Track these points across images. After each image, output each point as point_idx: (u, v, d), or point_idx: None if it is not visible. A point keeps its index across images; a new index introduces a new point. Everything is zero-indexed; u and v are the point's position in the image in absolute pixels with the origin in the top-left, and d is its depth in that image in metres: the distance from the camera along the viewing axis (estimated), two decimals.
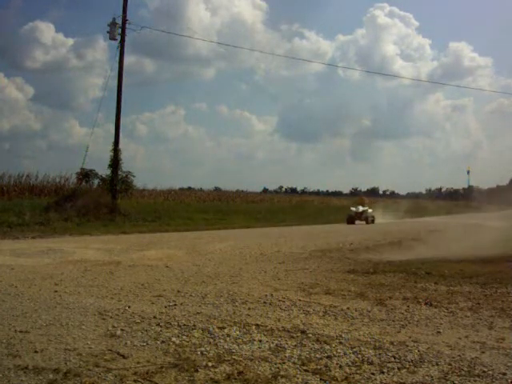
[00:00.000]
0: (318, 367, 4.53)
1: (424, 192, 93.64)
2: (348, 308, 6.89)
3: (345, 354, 4.91)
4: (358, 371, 4.46)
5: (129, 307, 6.51)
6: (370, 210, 32.32)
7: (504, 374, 4.45)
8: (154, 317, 6.06)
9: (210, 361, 4.57)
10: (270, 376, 4.27)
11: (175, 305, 6.76)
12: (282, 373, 4.35)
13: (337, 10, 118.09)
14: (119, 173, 26.11)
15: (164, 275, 9.18)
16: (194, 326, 5.75)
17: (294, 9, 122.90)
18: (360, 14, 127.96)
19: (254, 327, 5.77)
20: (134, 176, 27.40)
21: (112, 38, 25.69)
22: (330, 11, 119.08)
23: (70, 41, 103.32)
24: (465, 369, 4.56)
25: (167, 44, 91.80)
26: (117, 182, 25.81)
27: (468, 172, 75.89)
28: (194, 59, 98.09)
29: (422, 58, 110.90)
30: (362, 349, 5.07)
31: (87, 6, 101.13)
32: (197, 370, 4.34)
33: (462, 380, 4.30)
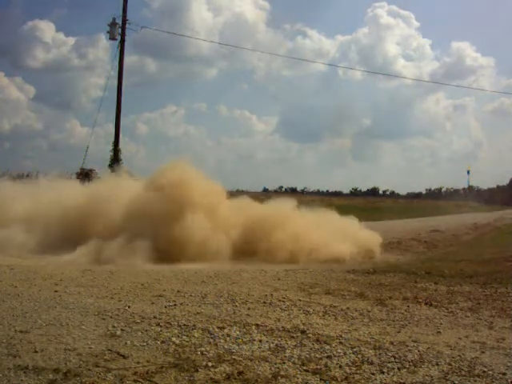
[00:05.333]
0: (318, 367, 4.53)
1: (424, 192, 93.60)
2: (348, 308, 6.89)
3: (345, 353, 4.91)
4: (358, 371, 4.46)
5: (129, 307, 6.51)
6: None
7: (504, 373, 4.46)
8: (154, 317, 6.06)
9: (210, 361, 4.57)
10: (270, 376, 4.27)
11: (175, 305, 6.76)
12: (282, 373, 4.35)
13: (339, 8, 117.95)
14: None
15: (164, 275, 9.17)
16: (194, 325, 5.74)
17: (297, 8, 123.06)
18: (362, 13, 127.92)
19: (253, 327, 5.77)
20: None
21: (112, 38, 25.73)
22: (332, 10, 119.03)
23: (71, 40, 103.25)
24: (465, 369, 4.57)
25: (169, 44, 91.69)
26: None
27: (468, 172, 75.96)
28: (196, 59, 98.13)
29: (424, 58, 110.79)
30: (362, 349, 5.07)
31: (88, 4, 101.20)
32: (197, 370, 4.34)
33: (462, 380, 4.31)
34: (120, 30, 25.59)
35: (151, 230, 12.02)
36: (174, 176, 13.68)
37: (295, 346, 5.14)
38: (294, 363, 4.62)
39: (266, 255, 12.53)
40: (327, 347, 5.10)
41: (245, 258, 12.50)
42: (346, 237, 14.19)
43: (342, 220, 16.00)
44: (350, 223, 15.86)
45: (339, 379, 4.27)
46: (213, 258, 12.07)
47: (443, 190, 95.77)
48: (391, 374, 4.42)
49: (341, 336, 5.51)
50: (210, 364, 4.49)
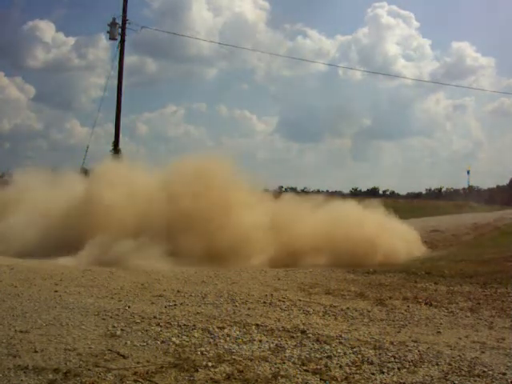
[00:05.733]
0: (318, 367, 4.53)
1: (424, 192, 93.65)
2: (348, 308, 6.90)
3: (345, 353, 4.92)
4: (358, 371, 4.46)
5: (129, 307, 6.51)
6: None
7: (504, 373, 4.46)
8: (154, 317, 6.06)
9: (209, 361, 4.58)
10: (270, 376, 4.28)
11: (175, 305, 6.76)
12: (282, 373, 4.36)
13: (339, 8, 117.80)
14: None
15: (164, 275, 9.17)
16: (194, 325, 5.75)
17: (297, 8, 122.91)
18: (362, 13, 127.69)
19: (253, 327, 5.77)
20: None
21: (112, 38, 25.67)
22: (332, 10, 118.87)
23: (71, 40, 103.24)
24: (465, 369, 4.57)
25: (169, 44, 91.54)
26: None
27: (468, 172, 75.93)
28: (196, 59, 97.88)
29: (424, 58, 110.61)
30: (362, 349, 5.07)
31: (88, 4, 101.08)
32: (197, 370, 4.34)
33: (462, 380, 4.31)
34: (120, 30, 25.54)
35: (178, 230, 11.18)
36: (210, 172, 12.44)
37: (295, 345, 5.14)
38: (294, 363, 4.62)
39: (319, 256, 11.35)
40: (327, 347, 5.10)
41: (298, 260, 11.32)
42: (392, 232, 13.08)
43: (378, 213, 14.36)
44: (387, 216, 14.45)
45: (339, 379, 4.27)
46: (256, 259, 11.19)
47: (443, 190, 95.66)
48: (391, 373, 4.43)
49: (341, 336, 5.51)
50: (209, 364, 4.50)
